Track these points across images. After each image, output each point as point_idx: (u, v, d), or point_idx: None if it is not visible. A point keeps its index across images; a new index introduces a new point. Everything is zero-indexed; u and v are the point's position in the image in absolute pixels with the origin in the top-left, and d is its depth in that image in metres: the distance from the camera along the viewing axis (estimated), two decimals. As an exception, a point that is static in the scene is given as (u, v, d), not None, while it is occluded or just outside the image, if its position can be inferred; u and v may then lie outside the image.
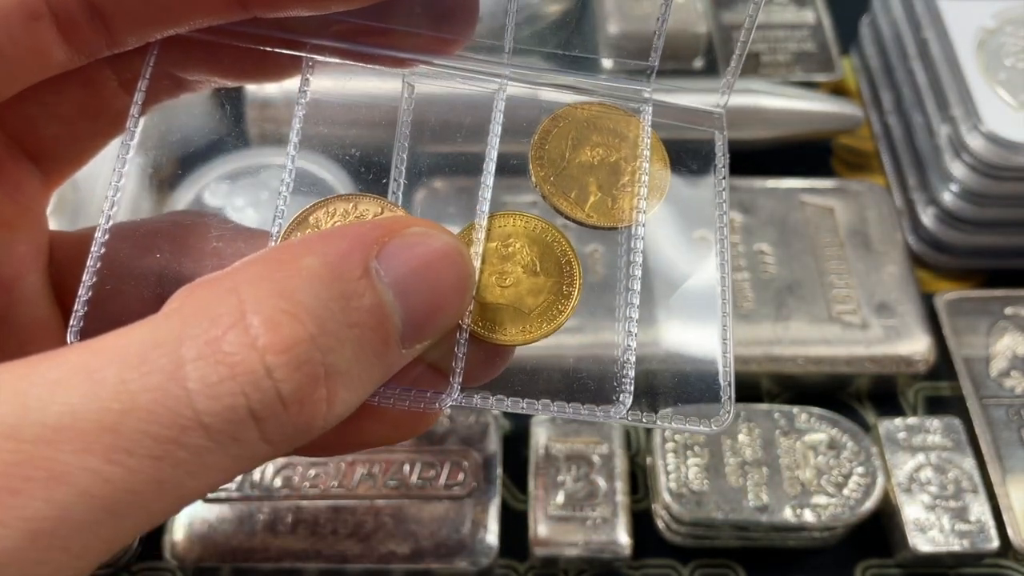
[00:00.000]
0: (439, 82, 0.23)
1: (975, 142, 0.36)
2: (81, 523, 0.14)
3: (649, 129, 0.22)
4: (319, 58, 0.22)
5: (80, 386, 0.14)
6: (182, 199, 0.38)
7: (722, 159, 0.23)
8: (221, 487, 0.25)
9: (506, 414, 0.34)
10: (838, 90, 0.46)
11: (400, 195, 0.23)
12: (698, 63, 0.45)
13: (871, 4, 0.46)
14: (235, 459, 0.15)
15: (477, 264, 0.20)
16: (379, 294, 0.16)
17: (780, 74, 0.44)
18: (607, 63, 0.24)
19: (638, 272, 0.21)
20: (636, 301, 0.21)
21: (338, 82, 0.23)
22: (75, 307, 0.19)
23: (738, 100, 0.40)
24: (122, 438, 0.14)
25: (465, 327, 0.19)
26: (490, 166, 0.21)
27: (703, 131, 0.23)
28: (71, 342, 0.19)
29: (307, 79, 0.22)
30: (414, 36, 0.22)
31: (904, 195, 0.41)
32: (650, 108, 0.23)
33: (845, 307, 0.36)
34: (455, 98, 0.23)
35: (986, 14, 0.39)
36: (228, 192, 0.39)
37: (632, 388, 0.20)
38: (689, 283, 0.24)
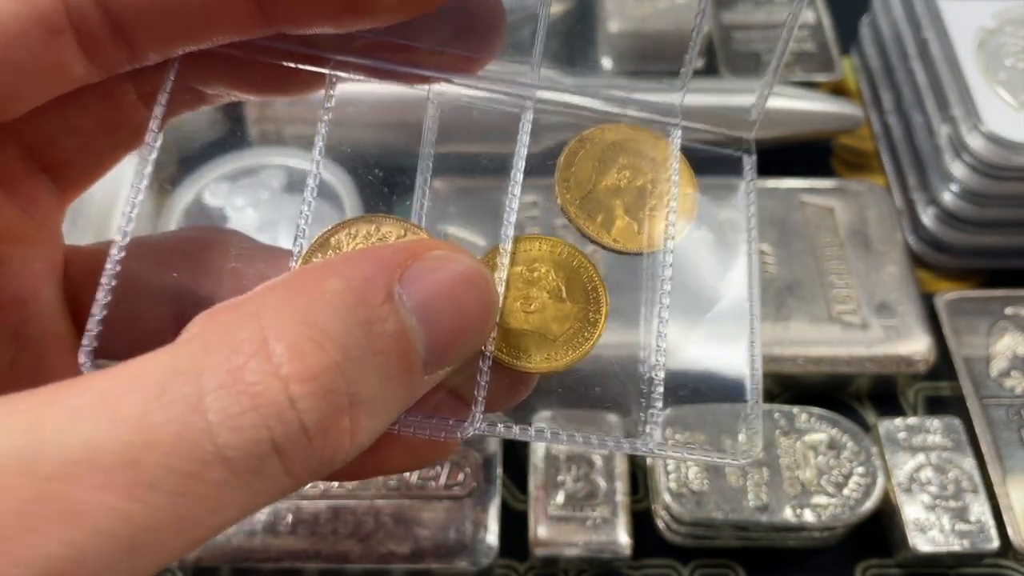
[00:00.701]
0: (464, 101, 0.22)
1: (975, 142, 0.36)
2: (98, 563, 0.13)
3: (678, 153, 0.22)
4: (342, 75, 0.21)
5: (99, 419, 0.13)
6: (182, 199, 0.38)
7: (751, 182, 0.23)
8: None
9: (505, 413, 0.34)
10: (838, 90, 0.46)
11: (423, 216, 0.22)
12: (698, 63, 0.45)
13: (871, 4, 0.46)
14: (256, 494, 0.14)
15: (501, 289, 0.20)
16: (402, 319, 0.16)
17: (780, 74, 0.44)
18: (609, 64, 0.24)
19: (667, 300, 0.20)
20: (665, 331, 0.20)
21: (360, 102, 0.22)
22: (88, 326, 0.19)
23: (738, 100, 0.40)
24: (143, 473, 0.13)
25: (488, 353, 0.19)
26: (515, 189, 0.21)
27: (731, 153, 0.23)
28: (83, 361, 0.19)
29: (330, 95, 0.21)
30: (439, 54, 0.21)
31: (904, 195, 0.41)
32: (679, 132, 0.22)
33: (845, 307, 0.36)
34: (480, 118, 0.23)
35: (986, 14, 0.39)
36: (228, 192, 0.39)
37: (659, 420, 0.20)
38: (716, 307, 0.23)
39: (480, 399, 0.19)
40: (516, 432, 0.19)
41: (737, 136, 0.23)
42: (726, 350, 0.21)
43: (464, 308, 0.17)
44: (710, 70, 0.46)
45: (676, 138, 0.22)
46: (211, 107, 0.23)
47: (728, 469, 0.32)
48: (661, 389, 0.20)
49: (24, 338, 0.20)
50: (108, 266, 0.20)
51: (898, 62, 0.43)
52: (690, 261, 0.24)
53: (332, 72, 0.21)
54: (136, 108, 0.22)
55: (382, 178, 0.23)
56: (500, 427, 0.19)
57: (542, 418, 0.32)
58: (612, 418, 0.32)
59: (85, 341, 0.19)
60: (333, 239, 0.20)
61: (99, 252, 0.21)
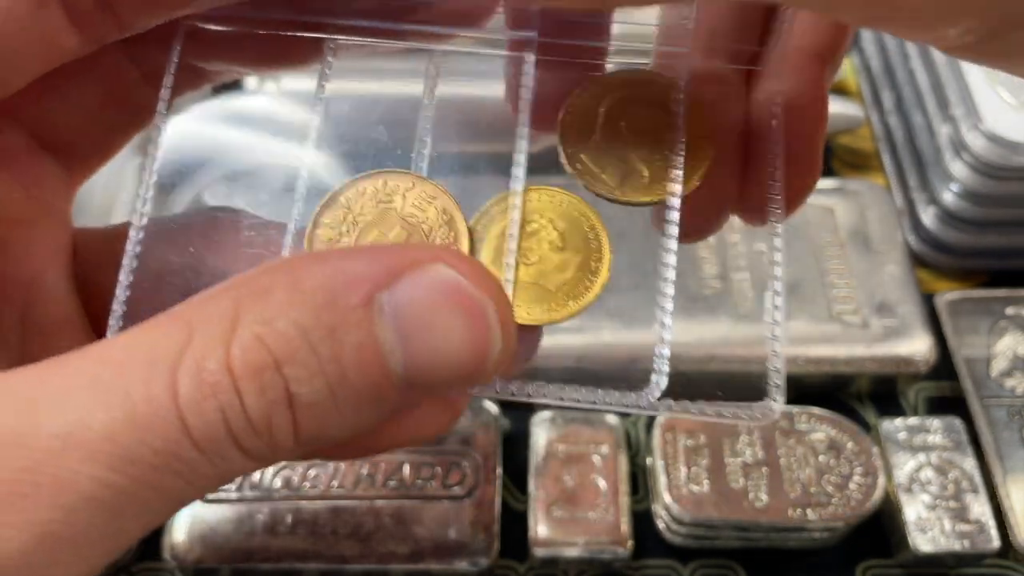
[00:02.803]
0: (464, 63, 0.22)
1: (976, 142, 0.36)
2: (86, 526, 0.14)
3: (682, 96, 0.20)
4: (341, 39, 0.21)
5: (89, 396, 0.15)
6: (182, 199, 0.38)
7: (779, 143, 0.21)
8: (220, 487, 0.25)
9: (505, 413, 0.34)
10: (838, 90, 0.46)
11: (425, 167, 0.21)
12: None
13: (871, 4, 0.46)
14: (224, 471, 0.15)
15: (513, 247, 0.19)
16: (373, 331, 0.15)
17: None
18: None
19: (672, 261, 0.19)
20: (670, 291, 0.19)
21: (359, 79, 0.22)
22: (113, 306, 0.19)
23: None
24: (124, 448, 0.14)
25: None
26: (523, 130, 0.20)
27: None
28: None
29: (329, 61, 0.21)
30: (440, 8, 0.21)
31: (904, 195, 0.41)
32: (687, 74, 0.20)
33: (845, 307, 0.36)
34: (480, 75, 0.22)
35: (987, 14, 0.39)
36: (228, 192, 0.39)
37: (666, 371, 0.18)
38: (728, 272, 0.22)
39: None
40: (530, 390, 0.18)
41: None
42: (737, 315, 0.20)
43: (447, 333, 0.16)
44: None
45: (685, 80, 0.20)
46: (212, 83, 0.23)
47: (728, 469, 0.32)
48: (667, 351, 0.19)
49: (31, 321, 0.21)
50: (128, 248, 0.20)
51: (898, 62, 0.43)
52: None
53: (331, 37, 0.21)
54: (139, 87, 0.22)
55: (382, 145, 0.23)
56: (513, 386, 0.18)
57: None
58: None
59: (112, 320, 0.19)
60: (342, 197, 0.20)
61: (111, 234, 0.21)
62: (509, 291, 0.19)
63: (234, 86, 0.40)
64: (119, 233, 0.21)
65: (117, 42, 0.21)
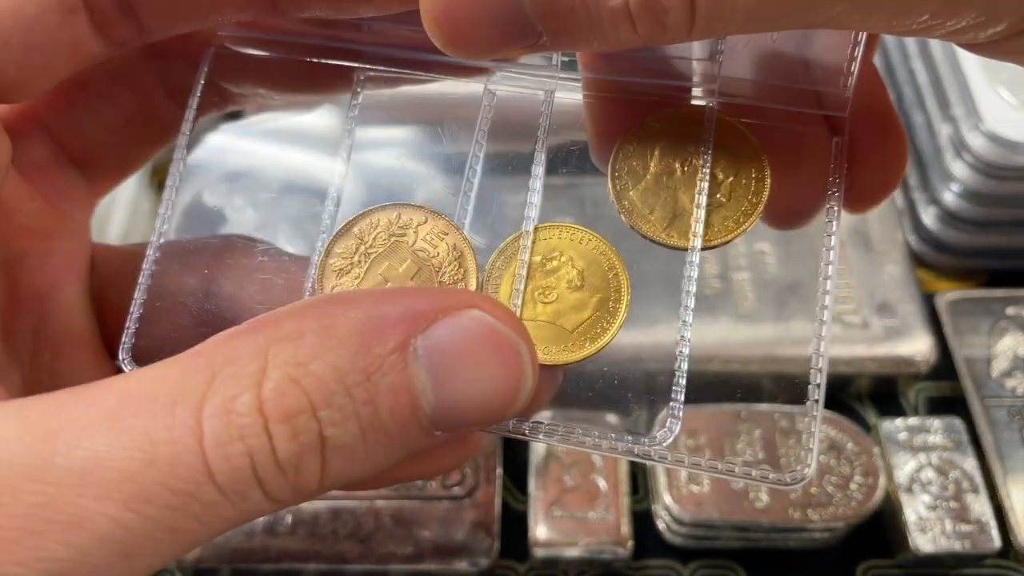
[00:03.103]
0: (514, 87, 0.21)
1: (976, 141, 0.36)
2: (96, 566, 0.14)
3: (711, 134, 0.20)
4: (369, 69, 0.21)
5: (107, 433, 0.14)
6: (182, 199, 0.38)
7: (839, 166, 0.20)
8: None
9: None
10: (839, 90, 0.46)
11: (472, 197, 0.21)
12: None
13: (872, 3, 0.46)
14: (242, 512, 0.15)
15: (523, 273, 0.19)
16: (407, 374, 0.16)
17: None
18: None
19: (692, 294, 0.19)
20: (688, 334, 0.19)
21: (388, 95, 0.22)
22: (127, 324, 0.20)
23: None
24: (142, 488, 0.14)
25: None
26: (538, 170, 0.20)
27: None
28: (122, 359, 0.20)
29: (357, 92, 0.21)
30: None
31: (905, 195, 0.41)
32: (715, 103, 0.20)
33: (846, 307, 0.36)
34: (518, 103, 0.22)
35: (987, 13, 0.39)
36: (228, 192, 0.39)
37: (678, 424, 0.18)
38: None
39: None
40: (544, 430, 0.19)
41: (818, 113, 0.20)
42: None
43: (482, 374, 0.16)
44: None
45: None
46: (239, 106, 0.24)
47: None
48: (683, 388, 0.19)
49: (44, 334, 0.21)
50: (145, 267, 0.20)
51: (899, 61, 0.43)
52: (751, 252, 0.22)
53: (360, 66, 0.21)
54: (165, 104, 0.23)
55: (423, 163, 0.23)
56: (526, 426, 0.19)
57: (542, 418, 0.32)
58: (613, 419, 0.32)
59: (124, 338, 0.20)
60: (356, 228, 0.20)
61: (129, 252, 0.22)
62: None
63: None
64: (137, 252, 0.21)
65: (147, 60, 0.22)
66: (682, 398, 0.19)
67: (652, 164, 0.20)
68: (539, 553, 0.31)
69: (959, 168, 0.37)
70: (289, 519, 0.31)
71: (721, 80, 0.20)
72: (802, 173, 0.21)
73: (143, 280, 0.20)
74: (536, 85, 0.21)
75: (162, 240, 0.21)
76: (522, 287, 0.19)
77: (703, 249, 0.20)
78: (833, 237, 0.20)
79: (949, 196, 0.38)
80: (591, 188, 0.22)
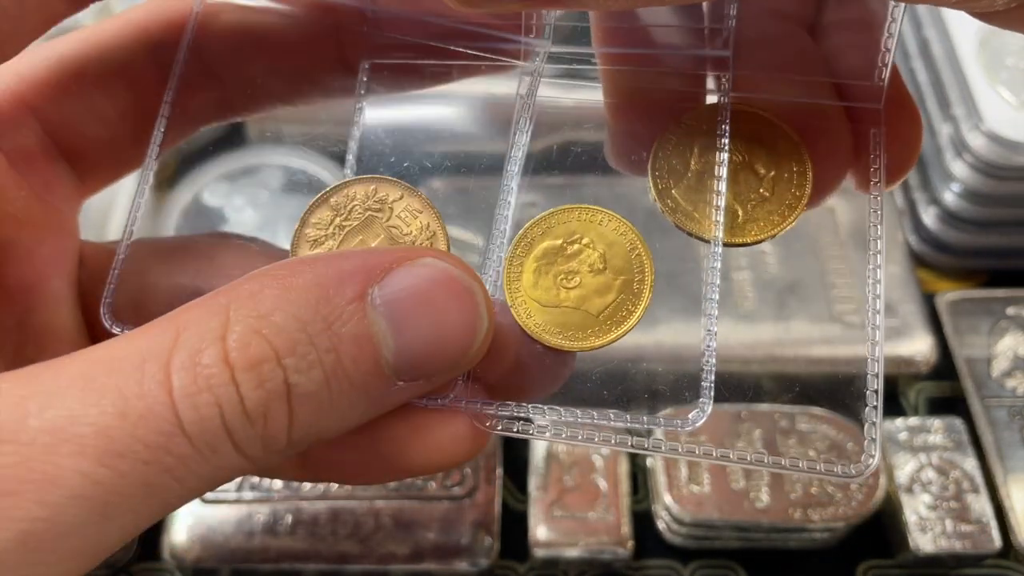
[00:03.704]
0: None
1: (976, 141, 0.36)
2: (71, 525, 0.14)
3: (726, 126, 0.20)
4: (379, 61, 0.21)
5: (79, 393, 0.15)
6: (181, 199, 0.38)
7: (879, 157, 0.20)
8: (219, 487, 0.25)
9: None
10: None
11: (514, 187, 0.21)
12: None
13: (872, 3, 0.46)
14: (215, 468, 0.15)
15: (500, 270, 0.19)
16: (367, 322, 0.16)
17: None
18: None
19: (715, 285, 0.19)
20: (714, 312, 0.19)
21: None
22: (105, 293, 0.20)
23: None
24: (115, 442, 0.14)
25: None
26: (517, 152, 0.20)
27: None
28: (104, 313, 0.20)
29: (363, 80, 0.21)
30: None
31: (905, 195, 0.41)
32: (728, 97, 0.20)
33: (846, 307, 0.36)
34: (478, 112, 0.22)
35: (987, 13, 0.39)
36: (227, 192, 0.39)
37: (712, 395, 0.18)
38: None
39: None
40: (549, 427, 0.19)
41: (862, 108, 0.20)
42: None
43: (443, 320, 0.17)
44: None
45: (726, 101, 0.20)
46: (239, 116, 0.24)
47: (730, 469, 0.32)
48: (713, 368, 0.18)
49: (29, 327, 0.21)
50: (123, 238, 0.21)
51: (899, 60, 0.43)
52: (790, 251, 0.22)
53: (366, 60, 0.21)
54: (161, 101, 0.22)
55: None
56: (533, 428, 0.18)
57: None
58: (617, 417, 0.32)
59: (106, 295, 0.20)
60: (332, 199, 0.20)
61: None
62: (519, 304, 0.19)
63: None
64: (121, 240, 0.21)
65: (147, 56, 0.22)
66: (712, 377, 0.18)
67: (692, 162, 0.20)
68: (539, 553, 0.31)
69: (959, 168, 0.37)
70: (289, 519, 0.31)
71: (737, 77, 0.20)
72: (821, 162, 0.21)
73: (122, 250, 0.20)
74: (563, 83, 0.21)
75: (133, 237, 0.21)
76: (535, 281, 0.19)
77: (752, 244, 0.20)
78: (880, 227, 0.20)
79: (949, 196, 0.38)
80: (592, 188, 0.21)
